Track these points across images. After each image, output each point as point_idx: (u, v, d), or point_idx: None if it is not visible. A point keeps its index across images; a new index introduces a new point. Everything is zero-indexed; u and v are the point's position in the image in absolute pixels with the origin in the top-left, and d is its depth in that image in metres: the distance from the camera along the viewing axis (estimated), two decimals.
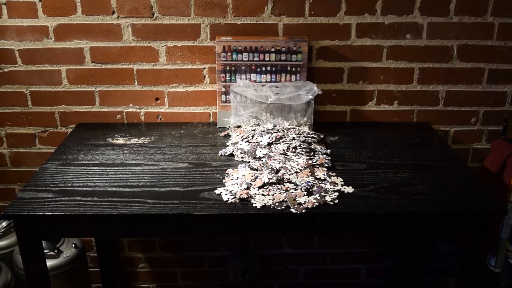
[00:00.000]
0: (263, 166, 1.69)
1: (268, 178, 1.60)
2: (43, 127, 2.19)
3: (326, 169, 1.70)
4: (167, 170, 1.74)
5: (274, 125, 1.94)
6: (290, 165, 1.69)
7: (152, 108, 2.16)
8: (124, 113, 2.17)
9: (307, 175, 1.64)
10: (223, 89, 2.03)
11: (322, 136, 1.96)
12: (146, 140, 1.98)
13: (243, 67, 2.00)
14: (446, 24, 2.03)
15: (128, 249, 2.44)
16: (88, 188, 1.62)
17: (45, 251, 1.67)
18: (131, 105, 2.16)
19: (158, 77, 2.10)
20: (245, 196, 1.54)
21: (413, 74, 2.11)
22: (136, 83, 2.12)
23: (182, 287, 2.54)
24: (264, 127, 1.94)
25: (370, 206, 1.53)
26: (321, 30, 2.03)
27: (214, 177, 1.68)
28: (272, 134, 1.87)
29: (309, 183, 1.60)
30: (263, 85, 1.98)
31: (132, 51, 2.06)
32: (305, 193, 1.56)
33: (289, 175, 1.64)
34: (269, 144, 1.83)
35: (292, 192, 1.55)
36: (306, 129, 1.94)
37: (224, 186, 1.61)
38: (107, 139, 1.99)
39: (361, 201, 1.55)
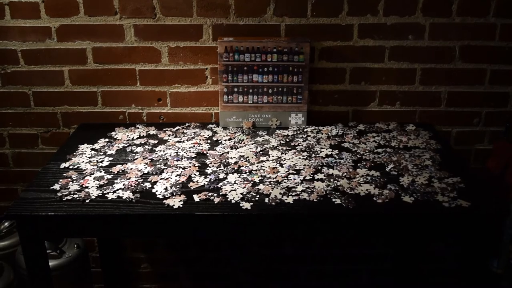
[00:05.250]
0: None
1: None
2: (45, 128, 2.19)
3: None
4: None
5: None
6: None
7: (154, 108, 2.16)
8: (127, 114, 2.17)
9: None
10: (225, 90, 2.03)
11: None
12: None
13: (245, 68, 2.00)
14: (448, 24, 2.03)
15: (131, 249, 2.44)
16: None
17: (47, 251, 1.68)
18: (133, 105, 2.16)
19: (161, 78, 2.11)
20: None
21: (415, 75, 2.11)
22: (138, 83, 2.12)
23: None
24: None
25: (371, 207, 1.53)
26: (323, 31, 2.03)
27: (216, 177, 1.69)
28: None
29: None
30: None
31: (135, 52, 2.06)
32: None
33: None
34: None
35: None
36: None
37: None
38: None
39: (362, 202, 1.55)
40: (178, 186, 1.62)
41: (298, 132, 2.03)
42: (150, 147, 1.91)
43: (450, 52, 2.07)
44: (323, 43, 2.05)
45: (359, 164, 1.77)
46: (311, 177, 1.67)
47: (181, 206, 1.52)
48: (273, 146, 1.90)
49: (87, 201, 1.55)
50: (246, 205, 1.52)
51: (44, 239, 1.59)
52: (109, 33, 2.03)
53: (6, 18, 2.00)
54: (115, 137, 2.00)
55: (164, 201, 1.54)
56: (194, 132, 2.04)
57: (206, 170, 1.73)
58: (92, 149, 1.89)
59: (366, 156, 1.83)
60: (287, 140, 1.96)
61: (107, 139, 1.98)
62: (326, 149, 1.87)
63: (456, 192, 1.60)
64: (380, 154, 1.85)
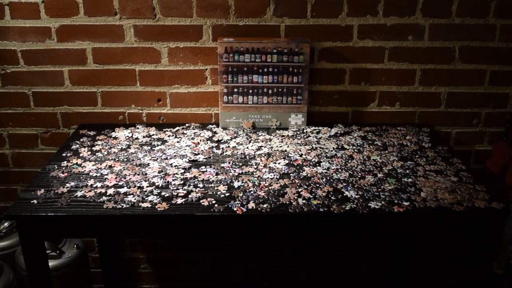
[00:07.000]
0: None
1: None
2: (45, 128, 2.19)
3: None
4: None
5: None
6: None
7: (154, 109, 2.16)
8: (126, 114, 2.17)
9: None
10: (225, 90, 2.03)
11: None
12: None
13: (245, 68, 2.00)
14: (448, 25, 2.03)
15: (130, 250, 2.44)
16: None
17: (47, 251, 1.67)
18: (133, 106, 2.16)
19: (160, 78, 2.11)
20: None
21: (415, 75, 2.11)
22: (138, 84, 2.12)
23: None
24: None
25: (370, 208, 1.53)
26: (323, 32, 2.03)
27: (216, 178, 1.69)
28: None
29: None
30: None
31: (134, 52, 2.06)
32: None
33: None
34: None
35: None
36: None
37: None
38: None
39: (361, 203, 1.55)
40: (179, 187, 1.62)
41: (298, 132, 2.03)
42: (149, 148, 1.91)
43: (449, 52, 2.08)
44: (323, 43, 2.05)
45: (359, 166, 1.77)
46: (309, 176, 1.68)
47: (181, 206, 1.52)
48: (273, 146, 1.90)
49: (86, 201, 1.55)
50: (247, 206, 1.52)
51: (43, 239, 1.58)
52: (109, 34, 2.03)
53: (6, 18, 2.00)
54: (114, 137, 2.00)
55: (164, 202, 1.54)
56: (194, 133, 2.04)
57: (206, 171, 1.73)
58: (91, 150, 1.89)
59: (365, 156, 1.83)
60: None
61: (107, 140, 1.98)
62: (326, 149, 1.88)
63: (456, 193, 1.60)
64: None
